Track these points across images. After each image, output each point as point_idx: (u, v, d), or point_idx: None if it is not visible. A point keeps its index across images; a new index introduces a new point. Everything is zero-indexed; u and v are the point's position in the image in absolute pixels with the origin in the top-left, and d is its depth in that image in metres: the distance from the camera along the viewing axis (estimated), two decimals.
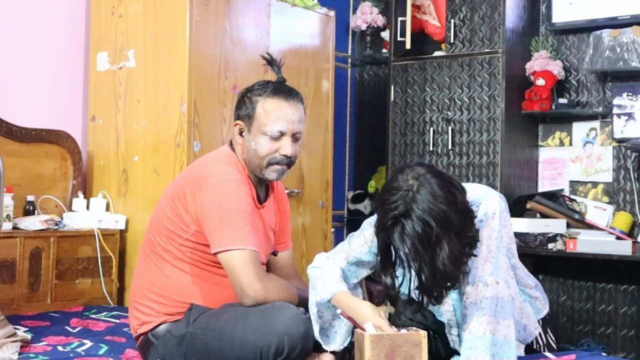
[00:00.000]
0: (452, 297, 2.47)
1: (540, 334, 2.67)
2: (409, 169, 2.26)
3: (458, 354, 2.58)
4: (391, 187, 2.24)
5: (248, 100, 2.52)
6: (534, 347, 2.67)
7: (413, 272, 2.29)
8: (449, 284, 2.26)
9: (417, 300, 2.39)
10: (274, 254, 2.68)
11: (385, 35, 4.96)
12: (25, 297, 3.26)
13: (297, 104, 2.51)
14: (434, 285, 2.25)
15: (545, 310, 2.67)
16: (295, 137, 2.51)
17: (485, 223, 2.35)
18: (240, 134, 2.53)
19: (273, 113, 2.47)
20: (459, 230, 2.21)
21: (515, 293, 2.48)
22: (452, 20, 4.45)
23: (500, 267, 2.36)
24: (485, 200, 2.37)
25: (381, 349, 2.26)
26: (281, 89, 2.51)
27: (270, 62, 2.61)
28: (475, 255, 2.30)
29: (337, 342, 2.48)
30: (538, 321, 2.65)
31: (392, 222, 2.20)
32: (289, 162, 2.52)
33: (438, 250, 2.18)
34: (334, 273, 2.45)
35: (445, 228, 2.18)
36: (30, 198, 3.48)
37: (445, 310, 2.48)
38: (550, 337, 2.74)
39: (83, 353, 2.61)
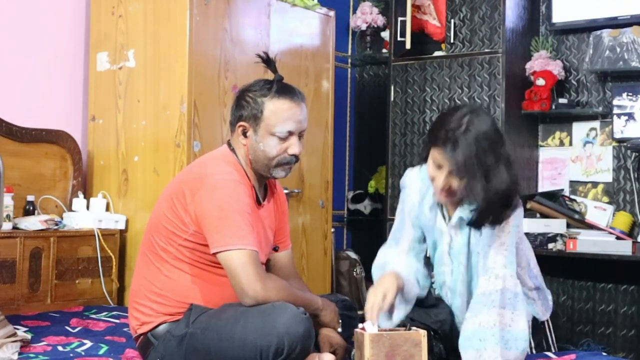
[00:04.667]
0: (451, 262, 2.54)
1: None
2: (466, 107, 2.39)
3: (458, 354, 2.58)
4: (449, 112, 2.37)
5: (251, 100, 2.50)
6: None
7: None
8: (500, 207, 2.34)
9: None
10: (275, 249, 2.68)
11: (385, 35, 4.96)
12: (25, 297, 3.26)
13: (301, 103, 2.52)
14: (485, 207, 2.32)
15: (543, 316, 2.71)
16: (301, 135, 2.54)
17: None
18: (244, 134, 2.53)
19: (282, 114, 2.48)
20: (506, 162, 2.30)
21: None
22: (452, 20, 4.44)
23: (513, 261, 2.43)
24: None
25: (381, 348, 2.26)
26: (285, 89, 2.51)
27: (267, 61, 2.59)
28: (520, 194, 2.41)
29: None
30: (541, 323, 2.68)
31: (449, 137, 2.28)
32: (296, 160, 2.54)
33: (490, 170, 2.27)
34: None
35: (497, 154, 2.28)
36: (30, 198, 3.48)
37: (444, 271, 2.56)
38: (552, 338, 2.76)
39: (83, 353, 2.60)
